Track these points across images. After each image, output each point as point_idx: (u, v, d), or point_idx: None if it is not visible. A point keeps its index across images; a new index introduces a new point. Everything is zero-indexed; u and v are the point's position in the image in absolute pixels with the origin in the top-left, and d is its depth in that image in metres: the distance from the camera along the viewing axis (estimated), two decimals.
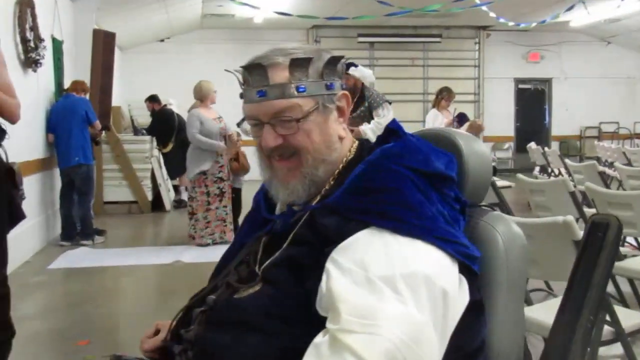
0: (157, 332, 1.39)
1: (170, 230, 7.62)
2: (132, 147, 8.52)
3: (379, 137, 1.30)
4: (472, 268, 1.13)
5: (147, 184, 8.51)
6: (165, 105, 9.59)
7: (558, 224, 2.20)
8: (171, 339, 1.28)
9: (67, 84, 7.12)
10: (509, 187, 6.36)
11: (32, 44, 5.91)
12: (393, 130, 1.29)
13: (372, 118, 5.29)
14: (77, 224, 6.44)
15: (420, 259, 1.06)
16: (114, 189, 8.36)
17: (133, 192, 8.41)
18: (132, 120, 10.75)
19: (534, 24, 11.19)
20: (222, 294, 1.22)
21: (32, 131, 6.01)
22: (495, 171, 7.85)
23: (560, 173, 7.70)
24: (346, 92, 1.29)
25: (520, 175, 4.15)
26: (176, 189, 9.58)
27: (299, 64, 1.20)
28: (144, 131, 9.26)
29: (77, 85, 6.64)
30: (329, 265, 1.07)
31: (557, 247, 2.28)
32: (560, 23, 11.89)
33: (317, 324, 1.06)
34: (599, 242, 1.23)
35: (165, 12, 10.48)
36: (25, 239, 5.31)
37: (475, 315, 1.14)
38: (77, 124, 6.42)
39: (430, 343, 1.01)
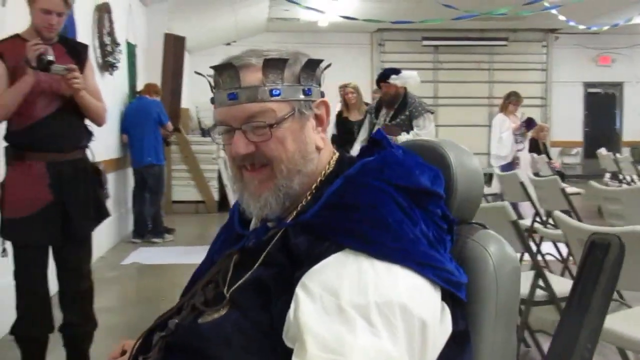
0: (123, 352, 1.29)
1: None
2: (200, 148, 8.73)
3: (362, 149, 1.20)
4: (456, 295, 1.04)
5: (214, 185, 8.71)
6: None
7: (637, 234, 2.17)
8: None
9: (139, 86, 7.37)
10: (578, 194, 6.23)
11: (109, 48, 6.16)
12: (377, 141, 1.18)
13: (412, 128, 5.08)
14: (148, 222, 6.66)
15: (397, 286, 0.97)
16: (182, 189, 8.60)
17: (200, 192, 8.63)
18: (200, 122, 11.02)
19: (605, 27, 10.90)
20: (186, 318, 1.13)
21: (108, 132, 6.24)
22: (563, 177, 7.68)
23: (632, 180, 7.48)
24: (325, 100, 1.20)
25: (592, 182, 4.07)
26: None
27: (273, 66, 1.11)
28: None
29: (150, 87, 6.87)
30: (298, 290, 0.98)
31: (633, 257, 2.24)
32: (632, 26, 11.53)
33: (283, 356, 0.98)
34: (598, 264, 1.12)
35: (233, 15, 10.69)
36: (101, 235, 5.52)
37: (459, 347, 1.04)
38: (150, 125, 6.63)
39: None
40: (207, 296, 1.14)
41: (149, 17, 8.42)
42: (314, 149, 1.17)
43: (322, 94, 1.20)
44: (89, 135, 2.92)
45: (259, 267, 1.09)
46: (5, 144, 2.84)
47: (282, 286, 1.02)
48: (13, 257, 2.81)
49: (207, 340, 1.05)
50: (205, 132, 9.82)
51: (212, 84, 1.16)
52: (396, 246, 0.99)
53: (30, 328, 2.81)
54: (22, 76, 2.64)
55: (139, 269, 5.57)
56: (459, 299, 1.05)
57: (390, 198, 1.05)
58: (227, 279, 1.14)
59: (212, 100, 1.16)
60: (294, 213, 1.14)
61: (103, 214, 2.97)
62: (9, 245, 2.83)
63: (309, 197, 1.15)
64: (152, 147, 6.59)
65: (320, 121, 1.19)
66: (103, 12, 6.06)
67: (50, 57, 2.61)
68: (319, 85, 1.19)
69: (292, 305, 0.98)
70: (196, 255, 6.19)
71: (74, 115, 2.81)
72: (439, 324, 1.00)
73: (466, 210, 1.22)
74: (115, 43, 6.28)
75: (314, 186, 1.16)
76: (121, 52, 6.50)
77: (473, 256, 1.13)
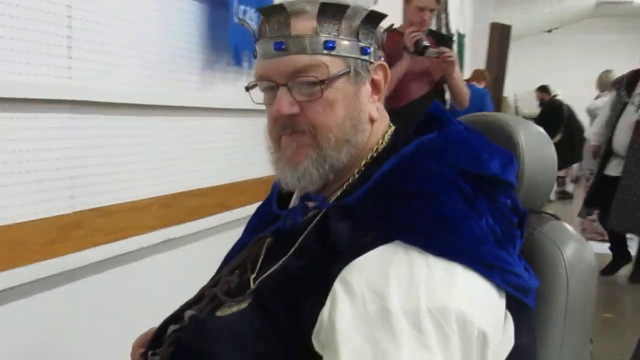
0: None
1: None
2: None
3: (419, 124, 1.05)
4: (524, 302, 0.88)
5: None
6: (554, 95, 9.61)
7: None
8: None
9: (465, 75, 7.67)
10: None
11: None
12: (435, 116, 1.03)
13: None
14: None
15: (456, 289, 0.81)
16: None
17: None
18: (516, 111, 11.00)
19: None
20: (204, 309, 0.98)
21: None
22: None
23: None
24: (385, 64, 1.02)
25: None
26: (560, 180, 9.57)
27: (329, 14, 0.95)
28: (532, 121, 9.44)
29: (477, 74, 7.08)
30: (337, 286, 0.83)
31: None
32: None
33: None
34: None
35: (558, 2, 10.44)
36: None
37: None
38: (474, 112, 6.87)
39: None
40: (231, 285, 0.99)
41: (476, 8, 8.70)
42: (367, 119, 1.00)
43: (381, 58, 1.03)
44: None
45: (291, 255, 0.93)
46: None
47: (314, 280, 0.86)
48: None
49: (217, 339, 0.90)
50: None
51: (257, 34, 1.01)
52: (458, 242, 0.84)
53: None
54: (396, 63, 3.07)
55: None
56: (526, 306, 0.90)
57: (453, 185, 0.88)
58: (256, 266, 0.99)
59: (255, 54, 1.01)
60: (338, 192, 0.98)
61: None
62: None
63: (356, 175, 0.99)
64: None
65: (377, 88, 1.02)
66: (441, 5, 6.47)
67: (426, 43, 3.00)
68: (379, 47, 1.02)
69: (328, 303, 0.82)
70: None
71: (439, 98, 3.18)
72: (502, 336, 0.85)
73: (535, 199, 1.06)
74: (450, 34, 6.66)
75: (362, 163, 1.00)
76: (455, 42, 6.86)
77: (541, 252, 0.97)
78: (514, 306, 0.87)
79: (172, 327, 1.00)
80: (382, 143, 1.01)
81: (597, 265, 1.01)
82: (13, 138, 1.45)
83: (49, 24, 1.53)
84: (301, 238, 0.93)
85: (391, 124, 1.05)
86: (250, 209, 1.22)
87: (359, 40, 0.98)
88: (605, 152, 4.58)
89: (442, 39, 3.31)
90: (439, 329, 0.78)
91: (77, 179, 1.64)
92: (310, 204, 0.99)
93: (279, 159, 1.00)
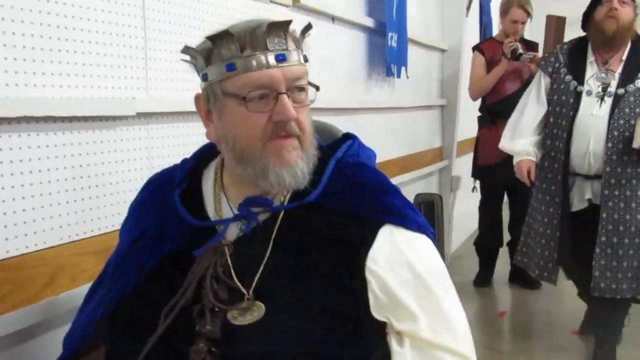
0: None
1: None
2: None
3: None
4: None
5: None
6: None
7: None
8: None
9: None
10: None
11: None
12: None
13: None
14: None
15: (434, 253, 1.09)
16: None
17: None
18: None
19: None
20: (211, 322, 1.00)
21: None
22: None
23: None
24: None
25: None
26: None
27: (302, 33, 1.09)
28: None
29: None
30: (370, 266, 1.02)
31: None
32: None
33: (370, 333, 1.00)
34: (428, 217, 1.29)
35: None
36: None
37: None
38: None
39: None
40: (220, 294, 1.02)
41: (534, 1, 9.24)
42: None
43: None
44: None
45: (276, 254, 1.04)
46: (478, 113, 4.15)
47: (338, 267, 1.01)
48: (480, 192, 4.15)
49: (276, 341, 0.97)
50: None
51: (235, 48, 1.02)
52: (419, 220, 1.10)
53: (488, 241, 4.10)
54: (495, 65, 3.86)
55: None
56: None
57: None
58: (230, 271, 1.04)
59: (230, 66, 1.02)
60: (285, 193, 1.09)
61: None
62: (477, 184, 4.17)
63: None
64: None
65: None
66: None
67: (521, 50, 3.78)
68: None
69: (371, 281, 1.01)
70: None
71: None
72: None
73: None
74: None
75: None
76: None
77: None
78: None
79: (197, 348, 0.98)
80: None
81: None
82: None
83: None
84: (273, 238, 1.04)
85: None
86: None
87: (302, 51, 1.09)
88: (562, 173, 2.82)
89: (530, 44, 4.09)
90: (448, 282, 1.07)
91: None
92: (255, 210, 1.08)
93: (268, 164, 1.03)
